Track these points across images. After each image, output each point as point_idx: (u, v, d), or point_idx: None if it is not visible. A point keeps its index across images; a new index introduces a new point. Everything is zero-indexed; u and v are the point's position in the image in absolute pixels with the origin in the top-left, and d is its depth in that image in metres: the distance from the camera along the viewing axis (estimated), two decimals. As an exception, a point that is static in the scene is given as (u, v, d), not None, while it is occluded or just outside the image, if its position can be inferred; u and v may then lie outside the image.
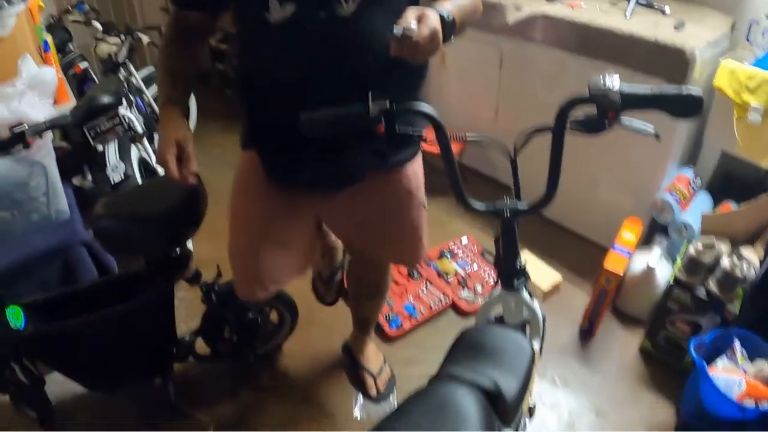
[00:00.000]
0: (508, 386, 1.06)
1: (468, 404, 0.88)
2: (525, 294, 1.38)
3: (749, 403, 1.57)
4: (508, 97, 2.66)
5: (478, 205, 1.19)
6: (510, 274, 1.30)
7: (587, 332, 2.16)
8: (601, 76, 1.00)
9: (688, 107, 0.98)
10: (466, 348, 1.20)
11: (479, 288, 2.39)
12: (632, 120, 1.03)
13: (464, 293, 2.36)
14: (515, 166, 1.30)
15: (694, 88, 0.98)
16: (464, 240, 2.67)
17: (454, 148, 2.92)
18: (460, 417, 0.85)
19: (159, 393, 1.82)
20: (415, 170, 1.44)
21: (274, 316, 2.11)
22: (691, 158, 2.34)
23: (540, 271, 2.36)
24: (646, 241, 2.28)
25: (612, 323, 2.22)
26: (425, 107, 1.07)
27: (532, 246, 2.49)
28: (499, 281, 1.35)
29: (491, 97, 2.73)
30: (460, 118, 3.12)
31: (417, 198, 1.46)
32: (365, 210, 1.43)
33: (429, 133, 1.14)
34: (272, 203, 1.38)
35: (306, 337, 2.14)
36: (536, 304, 1.40)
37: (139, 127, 2.42)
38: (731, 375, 1.65)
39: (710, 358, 1.73)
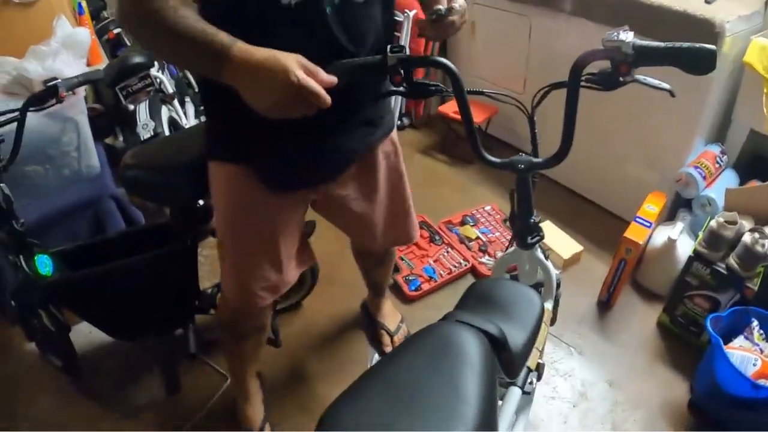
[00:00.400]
0: (514, 337, 1.07)
1: (470, 345, 0.87)
2: (539, 253, 1.39)
3: (764, 383, 1.55)
4: (537, 68, 2.64)
5: (493, 158, 1.20)
6: (523, 231, 1.30)
7: (606, 303, 2.16)
8: (615, 32, 1.00)
9: (702, 61, 0.96)
10: (477, 297, 1.22)
11: (500, 254, 2.39)
12: (647, 77, 1.02)
13: (484, 258, 2.39)
14: (533, 123, 1.31)
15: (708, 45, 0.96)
16: (487, 207, 2.70)
17: (482, 115, 2.95)
18: (460, 356, 0.85)
19: (180, 344, 1.88)
20: (395, 141, 1.45)
21: None
22: (719, 135, 2.29)
23: (561, 241, 2.38)
24: (670, 217, 2.25)
25: (631, 297, 2.21)
26: (440, 58, 1.08)
27: (554, 217, 2.52)
28: (514, 239, 1.37)
29: (520, 68, 2.71)
30: (482, 88, 3.12)
31: (403, 173, 1.50)
32: (360, 194, 1.42)
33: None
34: (273, 209, 1.30)
35: (326, 295, 2.18)
36: (550, 265, 1.41)
37: (170, 88, 2.48)
38: (747, 353, 1.63)
39: (727, 336, 1.72)
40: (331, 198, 1.38)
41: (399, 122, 3.51)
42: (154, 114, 2.39)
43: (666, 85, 1.02)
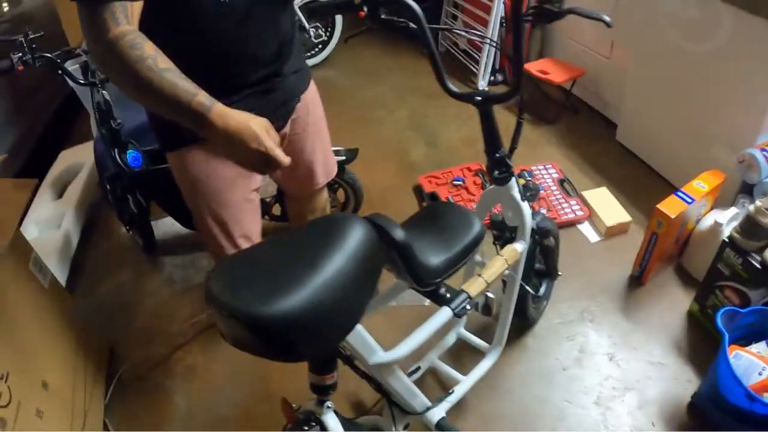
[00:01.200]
0: (430, 249, 1.14)
1: (351, 234, 0.92)
2: (515, 192, 1.40)
3: (766, 397, 1.40)
4: (624, 32, 2.47)
5: (454, 88, 1.23)
6: (490, 165, 1.32)
7: (638, 279, 2.05)
8: None
9: None
10: (422, 214, 1.29)
11: (543, 211, 2.38)
12: (583, 8, 1.00)
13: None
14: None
15: None
16: (549, 166, 2.65)
17: (565, 75, 2.88)
18: (336, 239, 0.91)
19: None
20: (315, 89, 1.53)
21: (341, 194, 2.35)
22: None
23: (610, 208, 2.32)
24: (732, 203, 2.04)
25: (669, 279, 2.07)
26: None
27: (615, 184, 2.49)
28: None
29: (605, 30, 2.55)
30: (572, 51, 2.99)
31: (323, 114, 1.58)
32: (301, 129, 1.49)
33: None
34: (233, 171, 1.34)
35: None
36: (525, 206, 1.41)
37: None
38: (756, 360, 1.49)
39: (748, 338, 1.59)
40: (283, 141, 1.44)
41: (492, 78, 3.48)
42: None
43: (602, 15, 0.99)
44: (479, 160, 2.68)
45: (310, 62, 3.91)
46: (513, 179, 1.38)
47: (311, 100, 1.49)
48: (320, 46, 3.99)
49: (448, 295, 1.26)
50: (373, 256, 0.97)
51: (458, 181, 2.62)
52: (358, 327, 1.08)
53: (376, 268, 0.99)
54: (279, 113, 1.36)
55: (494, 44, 3.14)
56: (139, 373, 1.93)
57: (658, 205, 1.83)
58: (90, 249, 2.58)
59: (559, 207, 2.41)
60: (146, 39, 0.94)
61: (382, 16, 1.15)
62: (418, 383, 1.71)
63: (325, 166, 1.64)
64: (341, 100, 3.54)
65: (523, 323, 1.89)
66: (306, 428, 1.11)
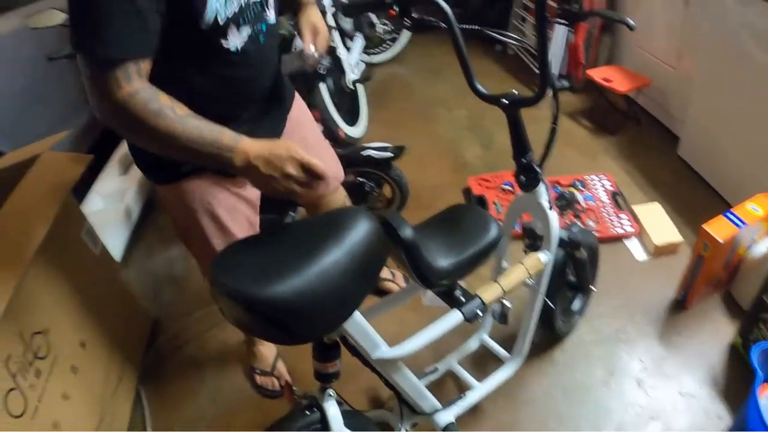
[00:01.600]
0: (440, 250, 1.15)
1: (356, 228, 0.94)
2: (543, 200, 1.36)
3: None
4: (693, 40, 2.35)
5: (483, 90, 1.23)
6: (517, 170, 1.31)
7: (681, 303, 1.95)
8: None
9: None
10: (442, 214, 1.29)
11: (591, 223, 2.31)
12: (607, 10, 0.96)
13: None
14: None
15: None
16: (603, 177, 2.57)
17: (629, 84, 2.81)
18: (339, 231, 0.94)
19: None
20: (301, 105, 1.52)
21: (387, 190, 2.38)
22: None
23: (661, 226, 2.22)
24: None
25: (715, 306, 1.96)
26: None
27: (671, 201, 2.39)
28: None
29: (673, 37, 2.44)
30: (640, 59, 2.88)
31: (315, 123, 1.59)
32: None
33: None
34: (233, 198, 1.32)
35: (410, 215, 2.33)
36: (552, 215, 1.38)
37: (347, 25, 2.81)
38: None
39: None
40: None
41: (559, 84, 3.39)
42: None
43: (626, 18, 0.95)
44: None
45: (378, 58, 3.97)
46: (542, 186, 1.35)
47: (298, 107, 1.49)
48: (389, 43, 4.02)
49: (462, 299, 1.26)
50: (374, 251, 0.98)
51: (507, 185, 2.58)
52: (361, 320, 1.10)
53: (376, 263, 1.00)
54: (278, 130, 1.38)
55: (522, 46, 3.06)
56: (175, 344, 2.03)
57: (704, 226, 1.73)
58: (148, 224, 2.72)
59: (609, 220, 2.33)
60: (158, 90, 0.94)
61: (414, 15, 1.16)
62: (437, 385, 1.73)
63: (331, 169, 1.59)
64: (405, 96, 3.56)
65: (551, 335, 1.84)
66: (308, 413, 1.15)
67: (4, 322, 1.26)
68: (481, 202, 2.53)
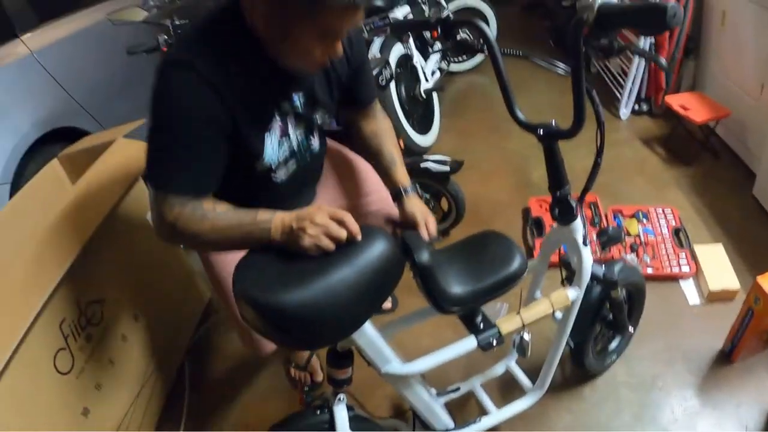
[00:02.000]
0: (456, 277, 1.16)
1: (371, 249, 1.00)
2: (577, 235, 1.34)
3: None
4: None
5: (522, 118, 1.23)
6: (552, 203, 1.29)
7: (727, 355, 1.85)
8: None
9: (653, 20, 0.89)
10: (469, 239, 1.30)
11: (647, 258, 2.23)
12: (642, 48, 0.94)
13: (629, 256, 2.24)
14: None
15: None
16: (668, 211, 2.47)
17: (707, 114, 2.70)
18: (354, 251, 0.99)
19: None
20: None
21: (444, 203, 2.41)
22: None
23: (720, 269, 2.10)
24: None
25: (764, 363, 1.83)
26: (475, 20, 1.16)
27: (735, 241, 2.27)
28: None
29: (760, 68, 2.29)
30: (722, 88, 2.73)
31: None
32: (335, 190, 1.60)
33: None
34: None
35: (466, 229, 2.36)
36: (585, 251, 1.35)
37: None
38: None
39: None
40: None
41: (636, 107, 3.26)
42: (384, 49, 2.78)
43: (659, 58, 0.94)
44: (598, 192, 2.54)
45: (459, 67, 3.94)
46: (578, 221, 1.33)
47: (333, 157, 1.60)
48: (470, 53, 3.99)
49: (481, 326, 1.27)
50: (386, 271, 1.03)
51: (567, 211, 2.52)
52: (373, 333, 1.14)
53: (388, 283, 1.05)
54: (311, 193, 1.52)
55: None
56: (225, 325, 2.16)
57: (759, 278, 1.64)
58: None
59: (665, 257, 2.22)
60: (202, 199, 1.09)
61: (457, 38, 1.18)
62: (460, 403, 1.74)
63: (379, 202, 1.63)
64: (483, 107, 3.52)
65: (582, 371, 1.80)
66: (318, 412, 1.21)
67: (63, 289, 1.40)
68: (538, 224, 2.49)
